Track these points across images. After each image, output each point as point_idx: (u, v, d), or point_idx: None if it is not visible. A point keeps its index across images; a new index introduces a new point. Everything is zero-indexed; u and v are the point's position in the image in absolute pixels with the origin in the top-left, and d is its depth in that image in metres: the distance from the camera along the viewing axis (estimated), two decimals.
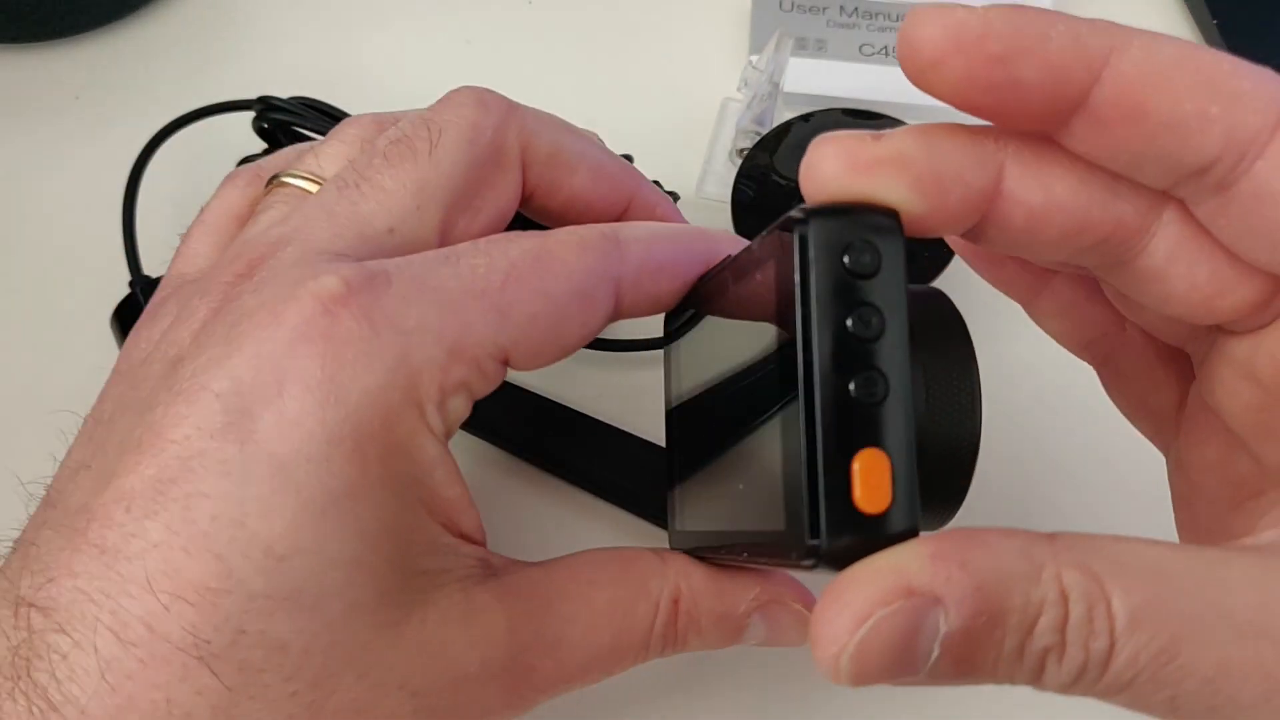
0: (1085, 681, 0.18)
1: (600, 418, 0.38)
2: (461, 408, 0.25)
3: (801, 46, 0.50)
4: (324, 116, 0.41)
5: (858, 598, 0.18)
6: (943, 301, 0.27)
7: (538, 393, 0.38)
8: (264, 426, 0.22)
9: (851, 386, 0.19)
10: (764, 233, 0.22)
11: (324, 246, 0.25)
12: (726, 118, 0.46)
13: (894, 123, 0.45)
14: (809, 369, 0.19)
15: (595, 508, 0.37)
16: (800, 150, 0.43)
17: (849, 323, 0.19)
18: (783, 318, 0.20)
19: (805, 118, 0.45)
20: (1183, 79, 0.20)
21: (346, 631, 0.22)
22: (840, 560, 0.19)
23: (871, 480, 0.19)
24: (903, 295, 0.20)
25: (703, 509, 0.26)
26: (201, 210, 0.31)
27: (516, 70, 0.50)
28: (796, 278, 0.20)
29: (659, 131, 0.46)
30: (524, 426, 0.38)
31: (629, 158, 0.43)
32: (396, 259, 0.25)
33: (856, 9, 0.52)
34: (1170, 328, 0.26)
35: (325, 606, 0.22)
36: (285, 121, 0.41)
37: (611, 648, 0.26)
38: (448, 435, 0.25)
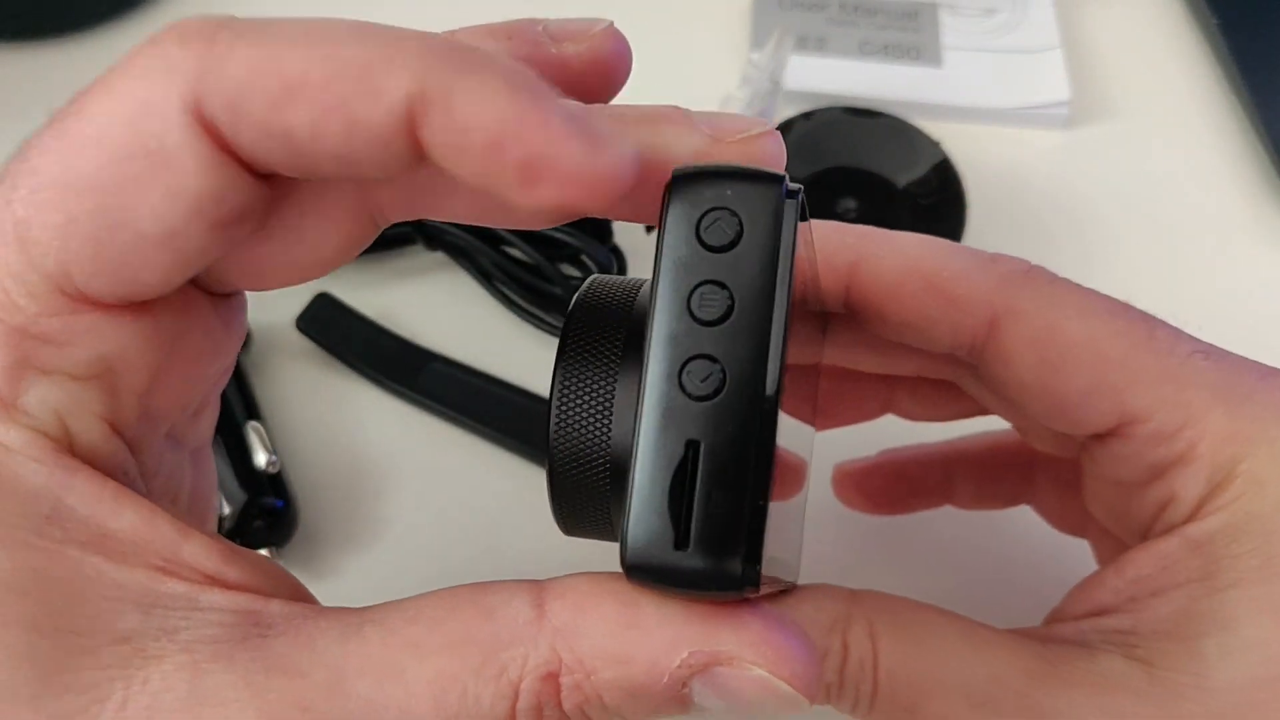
0: (859, 713, 0.23)
1: None
2: (51, 396, 0.17)
3: (802, 44, 0.50)
4: None
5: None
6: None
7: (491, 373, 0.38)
8: None
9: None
10: None
11: None
12: None
13: (895, 120, 0.45)
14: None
15: None
16: (801, 148, 0.43)
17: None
18: None
19: (806, 115, 0.45)
20: (910, 286, 0.24)
21: None
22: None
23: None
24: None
25: None
26: None
27: None
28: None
29: None
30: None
31: None
32: None
33: (857, 7, 0.52)
34: (1060, 440, 0.27)
35: None
36: None
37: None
38: (65, 443, 0.17)
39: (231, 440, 0.35)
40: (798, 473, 0.23)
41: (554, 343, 0.20)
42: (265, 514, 0.34)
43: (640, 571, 0.17)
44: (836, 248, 0.24)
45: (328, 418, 0.38)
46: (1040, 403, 0.24)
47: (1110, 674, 0.22)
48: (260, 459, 0.35)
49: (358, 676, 0.17)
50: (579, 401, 0.19)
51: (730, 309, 0.17)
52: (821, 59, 0.49)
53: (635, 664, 0.17)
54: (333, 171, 0.17)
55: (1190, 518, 0.23)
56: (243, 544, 0.33)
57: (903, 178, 0.43)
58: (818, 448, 0.28)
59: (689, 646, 0.17)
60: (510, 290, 0.40)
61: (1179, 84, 0.50)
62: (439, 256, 0.42)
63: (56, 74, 0.48)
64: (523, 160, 0.15)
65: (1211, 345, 0.24)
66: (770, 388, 0.17)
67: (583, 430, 0.19)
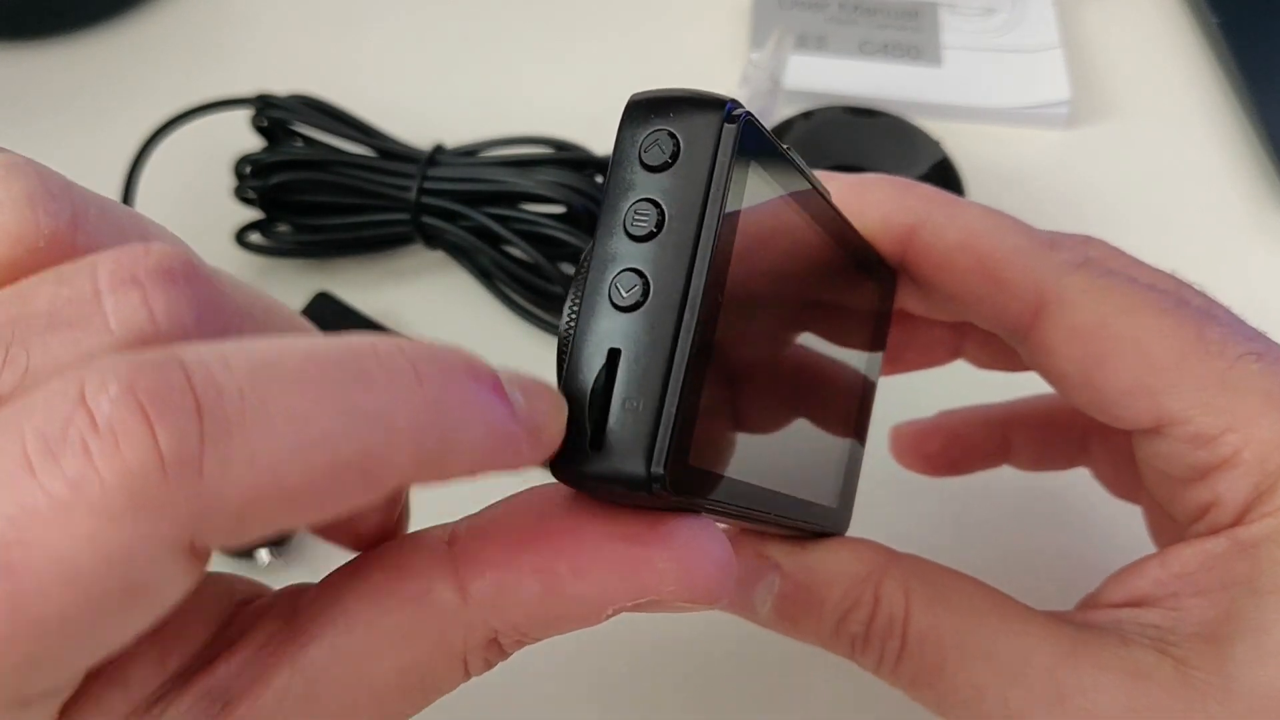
0: (884, 669, 0.23)
1: None
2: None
3: (802, 43, 0.50)
4: (322, 114, 0.41)
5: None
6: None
7: None
8: None
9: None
10: None
11: None
12: None
13: (894, 119, 0.45)
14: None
15: None
16: (801, 147, 0.43)
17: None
18: None
19: (806, 115, 0.45)
20: (961, 261, 0.24)
21: None
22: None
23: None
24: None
25: None
26: None
27: (515, 67, 0.50)
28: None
29: None
30: None
31: None
32: None
33: (857, 6, 0.52)
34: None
35: None
36: (283, 119, 0.41)
37: (416, 705, 0.19)
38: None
39: None
40: (822, 380, 0.24)
41: (554, 342, 0.20)
42: None
43: (560, 473, 0.18)
44: (896, 209, 0.24)
45: None
46: (1080, 395, 0.24)
47: (1141, 664, 0.22)
48: None
49: (325, 694, 0.17)
50: (567, 332, 0.20)
51: (660, 225, 0.17)
52: (821, 58, 0.49)
53: (565, 622, 0.18)
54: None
55: (1236, 522, 0.23)
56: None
57: (903, 177, 0.43)
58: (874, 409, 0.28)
59: (612, 605, 0.18)
60: (510, 290, 0.40)
61: (1179, 84, 0.50)
62: (439, 256, 0.42)
63: (54, 71, 0.48)
64: None
65: (1270, 345, 0.23)
66: (692, 298, 0.17)
67: (562, 356, 0.20)
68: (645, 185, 0.17)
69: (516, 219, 0.39)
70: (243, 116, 0.41)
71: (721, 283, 0.17)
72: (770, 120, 0.44)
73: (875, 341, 0.26)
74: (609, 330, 0.17)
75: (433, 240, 0.41)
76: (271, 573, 0.33)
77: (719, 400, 0.18)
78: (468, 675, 0.19)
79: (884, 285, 0.26)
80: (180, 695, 0.17)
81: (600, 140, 0.42)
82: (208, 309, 0.16)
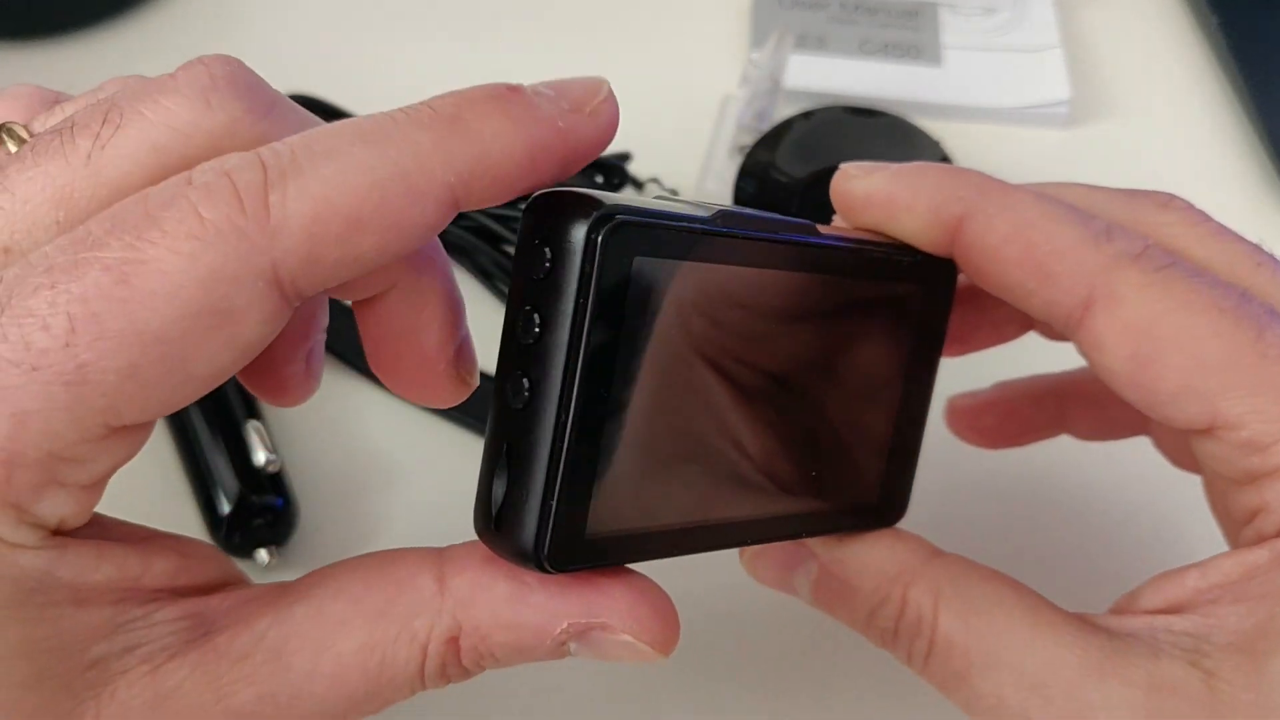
0: (914, 666, 0.24)
1: None
2: (60, 504, 0.19)
3: (802, 43, 0.50)
4: (322, 114, 0.41)
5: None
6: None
7: None
8: None
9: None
10: None
11: None
12: (727, 114, 0.46)
13: (895, 119, 0.45)
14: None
15: None
16: (801, 147, 0.43)
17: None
18: None
19: (806, 114, 0.45)
20: (1011, 254, 0.23)
21: None
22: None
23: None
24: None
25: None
26: None
27: (517, 66, 0.50)
28: None
29: (660, 128, 0.46)
30: None
31: (627, 155, 0.43)
32: None
33: (857, 6, 0.52)
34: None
35: None
36: None
37: (368, 694, 0.21)
38: (60, 527, 0.19)
39: (231, 439, 0.35)
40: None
41: None
42: (265, 513, 0.34)
43: (482, 542, 0.20)
44: (946, 199, 0.24)
45: (328, 417, 0.38)
46: (1130, 393, 0.23)
47: (1169, 679, 0.21)
48: (260, 458, 0.35)
49: (295, 653, 0.20)
50: None
51: (540, 332, 0.19)
52: (821, 58, 0.49)
53: (523, 630, 0.21)
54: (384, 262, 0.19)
55: None
56: (241, 542, 0.34)
57: None
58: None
59: (568, 619, 0.20)
60: None
61: (1179, 83, 0.50)
62: None
63: (54, 71, 0.48)
64: None
65: None
66: (564, 400, 0.19)
67: None
68: (529, 293, 0.19)
69: (516, 219, 0.39)
70: None
71: (606, 378, 0.19)
72: (770, 120, 0.44)
73: (924, 333, 0.26)
74: (505, 427, 0.20)
75: None
76: (271, 573, 0.33)
77: (633, 470, 0.20)
78: (423, 678, 0.21)
79: (933, 277, 0.26)
80: (173, 605, 0.20)
81: None
82: (255, 83, 0.21)
